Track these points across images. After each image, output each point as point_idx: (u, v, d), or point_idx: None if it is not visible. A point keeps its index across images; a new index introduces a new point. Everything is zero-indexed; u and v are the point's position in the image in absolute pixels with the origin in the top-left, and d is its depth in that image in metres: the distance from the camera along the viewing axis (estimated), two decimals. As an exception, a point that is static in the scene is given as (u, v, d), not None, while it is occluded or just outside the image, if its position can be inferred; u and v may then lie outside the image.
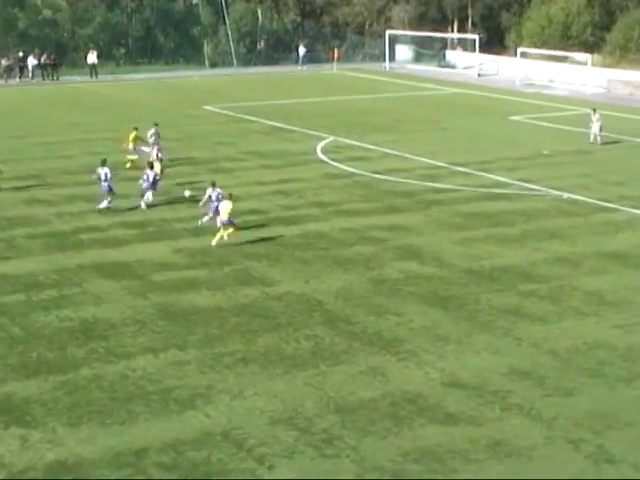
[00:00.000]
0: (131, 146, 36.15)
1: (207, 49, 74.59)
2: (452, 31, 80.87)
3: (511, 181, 34.85)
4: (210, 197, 27.66)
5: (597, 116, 42.19)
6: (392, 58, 74.74)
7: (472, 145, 42.01)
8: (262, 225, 28.76)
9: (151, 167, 31.02)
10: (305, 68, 72.27)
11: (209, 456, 15.29)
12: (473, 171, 36.44)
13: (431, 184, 34.39)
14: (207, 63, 73.64)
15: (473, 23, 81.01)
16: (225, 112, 50.45)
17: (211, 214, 27.42)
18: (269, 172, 36.23)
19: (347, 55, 76.06)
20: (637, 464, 15.15)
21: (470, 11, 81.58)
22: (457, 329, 20.70)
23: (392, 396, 17.38)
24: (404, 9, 79.80)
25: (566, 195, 32.80)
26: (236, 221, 26.89)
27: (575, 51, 66.70)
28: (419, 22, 78.21)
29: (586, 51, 65.35)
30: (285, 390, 17.62)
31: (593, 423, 16.43)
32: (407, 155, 39.33)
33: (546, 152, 40.46)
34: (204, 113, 50.98)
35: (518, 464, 15.17)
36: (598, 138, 41.94)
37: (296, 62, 73.26)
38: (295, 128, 45.29)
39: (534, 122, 48.68)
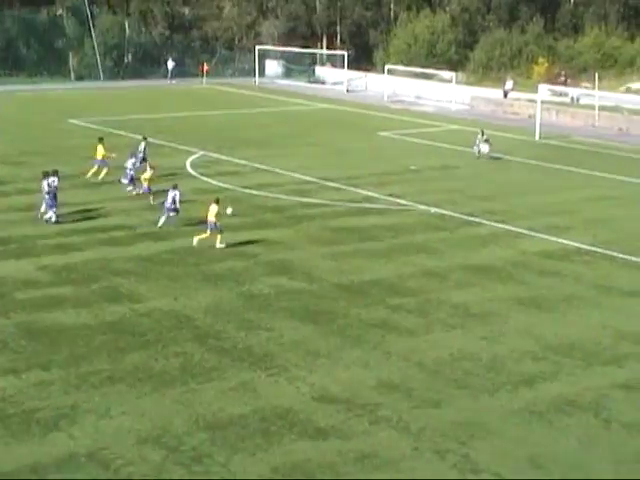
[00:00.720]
0: (99, 158, 36.54)
1: (72, 62, 73.14)
2: (321, 47, 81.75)
3: (380, 196, 35.35)
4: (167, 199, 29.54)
5: (484, 137, 42.74)
6: (262, 73, 75.01)
7: (342, 160, 42.46)
8: (130, 241, 28.34)
9: (174, 187, 29.66)
10: (174, 82, 71.77)
11: (73, 478, 14.91)
12: (343, 186, 36.82)
13: (301, 199, 34.58)
14: (73, 76, 72.25)
15: (342, 40, 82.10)
16: (92, 126, 49.54)
17: (170, 214, 29.56)
18: (137, 187, 35.72)
19: (217, 70, 75.95)
20: (499, 472, 15.54)
21: (339, 28, 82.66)
22: (327, 343, 20.82)
23: (262, 412, 17.35)
24: (273, 24, 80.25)
25: (433, 210, 33.47)
26: (220, 226, 27.74)
27: (440, 69, 68.33)
28: (289, 37, 78.77)
29: (451, 69, 67.05)
30: (153, 408, 17.37)
31: (459, 433, 16.78)
32: (277, 170, 39.46)
33: (414, 167, 41.23)
34: (70, 127, 49.98)
35: (386, 476, 15.34)
36: (484, 155, 42.56)
37: (165, 76, 72.69)
38: (164, 143, 44.86)
39: (402, 138, 49.59)
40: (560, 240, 29.79)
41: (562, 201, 35.26)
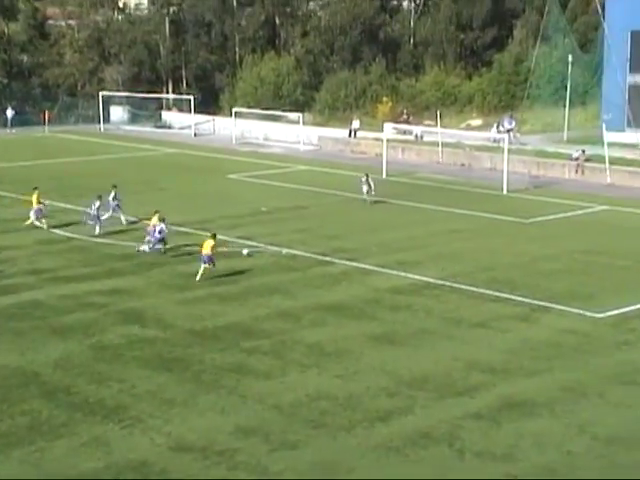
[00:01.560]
0: (35, 206, 36.92)
1: None
2: (167, 92, 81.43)
3: (231, 239, 35.33)
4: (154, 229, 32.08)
5: (366, 179, 42.30)
6: (107, 119, 74.05)
7: (191, 204, 42.27)
8: (-28, 297, 27.37)
9: (162, 220, 32.91)
10: (14, 131, 70.03)
11: None
12: (193, 230, 36.62)
13: (151, 245, 34.17)
14: None
15: (188, 84, 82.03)
16: None
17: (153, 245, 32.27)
18: (-21, 240, 34.61)
19: (60, 117, 74.49)
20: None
21: (184, 72, 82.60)
22: (182, 391, 20.58)
23: (116, 466, 16.96)
24: (117, 70, 79.48)
25: (285, 250, 33.68)
26: (214, 259, 29.34)
27: (287, 110, 69.12)
28: (133, 83, 78.15)
29: (297, 110, 67.92)
30: None
31: (316, 474, 16.82)
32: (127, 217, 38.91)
33: (264, 209, 41.43)
34: None
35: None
36: (367, 198, 42.28)
37: (5, 125, 70.83)
38: (5, 193, 43.65)
39: (252, 180, 49.79)
40: (410, 275, 30.45)
41: (410, 237, 36.08)
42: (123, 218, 37.78)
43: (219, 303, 27.36)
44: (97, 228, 35.79)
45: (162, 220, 33.02)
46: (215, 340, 24.09)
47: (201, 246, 30.10)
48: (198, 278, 29.38)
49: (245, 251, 31.54)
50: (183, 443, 17.94)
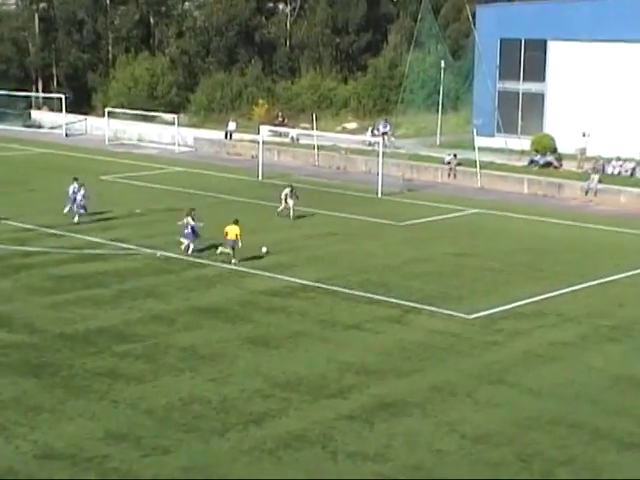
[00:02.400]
0: None
1: None
2: (37, 90, 79.51)
3: (104, 241, 34.78)
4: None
5: (293, 192, 40.03)
6: (-29, 118, 71.85)
7: (62, 206, 41.26)
8: None
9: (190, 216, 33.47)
10: None
11: None
12: (64, 232, 35.89)
13: (20, 248, 33.37)
14: None
15: (59, 83, 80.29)
16: None
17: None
18: None
19: None
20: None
21: (55, 70, 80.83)
22: (51, 397, 20.12)
23: (-19, 475, 16.45)
24: (-16, 67, 77.28)
25: (159, 253, 33.32)
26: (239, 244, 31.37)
27: (162, 111, 68.42)
28: (1, 81, 75.98)
29: (173, 111, 67.32)
30: None
31: (190, 478, 16.67)
32: (-7, 219, 37.87)
33: (138, 211, 40.90)
34: None
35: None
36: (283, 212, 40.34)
37: None
38: None
39: (125, 181, 49.09)
40: (285, 278, 30.53)
41: (286, 239, 36.18)
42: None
43: (91, 306, 26.87)
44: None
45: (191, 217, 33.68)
46: (86, 344, 23.64)
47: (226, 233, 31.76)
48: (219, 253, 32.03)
49: (264, 249, 32.60)
50: (50, 450, 17.54)
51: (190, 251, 33.28)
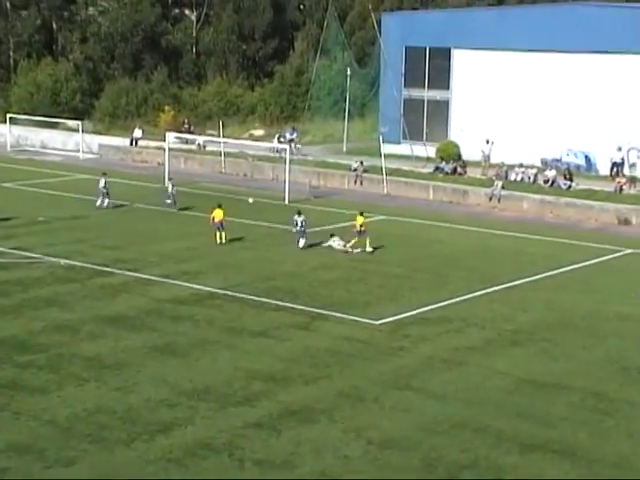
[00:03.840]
0: None
1: None
2: None
3: (6, 250, 34.15)
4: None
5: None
6: None
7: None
8: None
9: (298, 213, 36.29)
10: None
11: None
12: (-37, 241, 35.06)
13: None
14: None
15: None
16: None
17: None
18: None
19: None
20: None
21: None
22: (-50, 410, 19.62)
23: None
24: None
25: (63, 261, 32.83)
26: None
27: (66, 117, 67.38)
28: None
29: (77, 117, 66.35)
30: None
31: (95, 490, 16.48)
32: None
33: (42, 218, 40.25)
34: None
35: None
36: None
37: None
38: None
39: (28, 189, 48.20)
40: (192, 285, 30.39)
41: (193, 247, 36.04)
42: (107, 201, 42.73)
43: (-9, 317, 26.31)
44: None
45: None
46: (-14, 355, 23.15)
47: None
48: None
49: (251, 199, 36.40)
50: (-50, 465, 17.13)
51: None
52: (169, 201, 43.36)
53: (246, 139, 62.73)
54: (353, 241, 35.81)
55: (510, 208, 45.98)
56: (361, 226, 36.05)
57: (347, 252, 35.61)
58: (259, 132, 67.61)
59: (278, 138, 58.43)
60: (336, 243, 36.26)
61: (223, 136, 56.52)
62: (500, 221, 43.25)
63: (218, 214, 37.01)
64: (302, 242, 36.28)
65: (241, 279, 31.37)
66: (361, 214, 36.62)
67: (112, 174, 52.68)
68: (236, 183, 50.58)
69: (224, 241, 36.70)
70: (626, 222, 43.25)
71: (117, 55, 77.87)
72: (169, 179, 45.39)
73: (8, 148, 62.55)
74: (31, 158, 59.68)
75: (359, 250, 35.59)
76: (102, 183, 43.13)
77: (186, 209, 43.31)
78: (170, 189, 43.81)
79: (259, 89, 75.83)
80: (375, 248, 35.78)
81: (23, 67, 74.95)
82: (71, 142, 63.53)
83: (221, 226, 36.89)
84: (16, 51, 78.70)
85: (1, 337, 24.60)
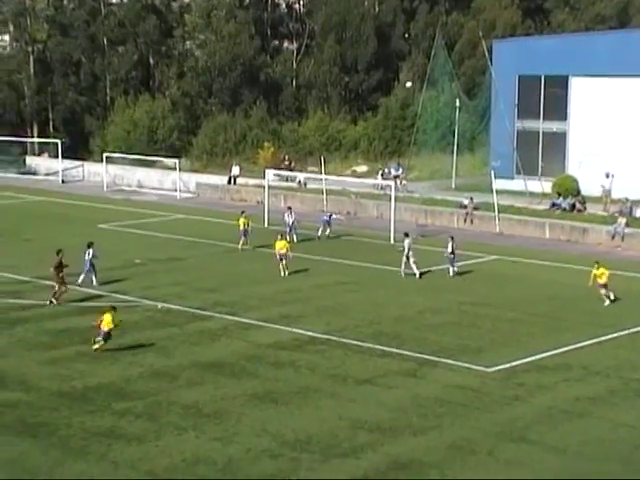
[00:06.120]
0: None
1: None
2: (32, 135, 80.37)
3: (103, 293, 35.05)
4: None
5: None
6: (-35, 165, 72.61)
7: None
8: None
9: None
10: None
11: None
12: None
13: (15, 301, 33.64)
14: None
15: (55, 127, 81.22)
16: None
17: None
18: None
19: None
20: None
21: (51, 114, 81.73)
22: (48, 459, 20.24)
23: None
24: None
25: (160, 305, 33.54)
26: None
27: (162, 155, 69.04)
28: (-5, 126, 77.03)
29: (174, 155, 67.93)
30: None
31: None
32: (-14, 271, 38.21)
33: (138, 261, 41.21)
34: None
35: None
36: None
37: None
38: None
39: (124, 230, 49.48)
40: (293, 330, 30.68)
41: (293, 289, 36.38)
42: (94, 279, 36.54)
43: (89, 362, 27.02)
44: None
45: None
46: (84, 402, 23.77)
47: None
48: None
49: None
50: (48, 515, 17.63)
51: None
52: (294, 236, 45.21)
53: (349, 176, 63.27)
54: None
55: (635, 247, 45.16)
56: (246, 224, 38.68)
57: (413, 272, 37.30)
58: (362, 168, 68.12)
59: (382, 174, 58.76)
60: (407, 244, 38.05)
61: (325, 173, 57.07)
62: (624, 261, 42.48)
63: (280, 245, 38.45)
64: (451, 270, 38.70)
65: (344, 323, 31.55)
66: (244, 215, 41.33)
67: (210, 214, 53.84)
68: (339, 222, 50.94)
69: (286, 274, 38.11)
70: None
71: (215, 90, 79.60)
72: (288, 208, 47.10)
73: (105, 188, 64.37)
74: (127, 198, 61.28)
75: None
76: (89, 255, 36.74)
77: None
78: (290, 221, 45.75)
79: (362, 123, 76.48)
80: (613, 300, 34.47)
81: (120, 104, 77.27)
82: (168, 181, 65.00)
83: (285, 258, 38.24)
84: (112, 88, 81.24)
85: (98, 383, 25.22)
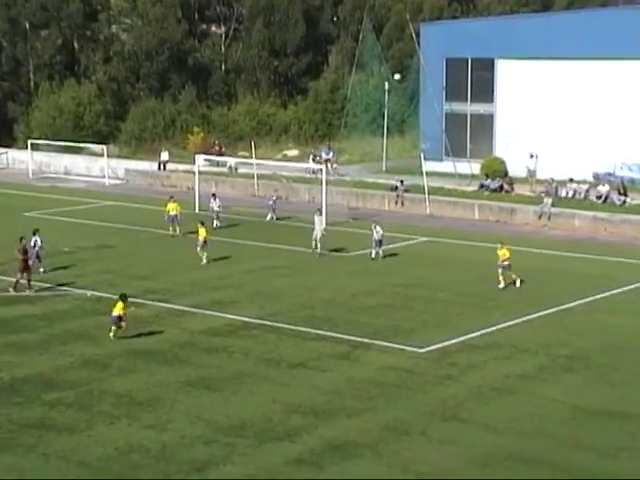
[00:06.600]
0: None
1: None
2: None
3: (32, 282, 34.60)
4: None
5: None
6: None
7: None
8: None
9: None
10: None
11: None
12: (-14, 275, 35.65)
13: (-61, 292, 33.13)
14: None
15: (-23, 114, 79.75)
16: None
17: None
18: None
19: None
20: None
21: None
22: (-24, 452, 20.00)
23: None
24: None
25: (90, 293, 33.27)
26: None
27: (90, 142, 68.28)
28: None
29: (101, 141, 67.22)
30: None
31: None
32: None
33: (66, 249, 40.76)
34: None
35: None
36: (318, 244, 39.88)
37: None
38: None
39: (51, 217, 48.87)
40: (226, 315, 30.68)
41: (225, 275, 36.34)
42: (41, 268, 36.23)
43: (16, 353, 26.74)
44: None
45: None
46: (12, 393, 23.52)
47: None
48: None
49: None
50: (-22, 509, 17.46)
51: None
52: (217, 223, 45.16)
53: (280, 160, 63.23)
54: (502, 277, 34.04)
55: (561, 226, 45.92)
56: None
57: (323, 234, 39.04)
58: (293, 152, 68.10)
59: (313, 158, 58.85)
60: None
61: (255, 157, 56.98)
62: (550, 240, 43.20)
63: (201, 232, 38.10)
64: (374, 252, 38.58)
65: (277, 308, 31.63)
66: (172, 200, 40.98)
67: (140, 200, 53.43)
68: (270, 206, 50.86)
69: (205, 261, 37.68)
70: (686, 238, 43.04)
71: (142, 75, 78.82)
72: (212, 195, 46.71)
73: (30, 175, 63.48)
74: (54, 185, 60.49)
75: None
76: (35, 243, 36.11)
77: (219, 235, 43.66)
78: (215, 207, 45.45)
79: (292, 107, 76.39)
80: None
81: (44, 90, 76.10)
82: (96, 168, 64.34)
83: (204, 245, 37.83)
84: (36, 73, 79.94)
85: (27, 374, 24.96)
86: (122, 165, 63.97)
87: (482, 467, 19.40)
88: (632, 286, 34.57)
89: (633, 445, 20.52)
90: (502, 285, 33.99)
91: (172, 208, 43.59)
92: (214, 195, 46.73)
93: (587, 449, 20.33)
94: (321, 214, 41.12)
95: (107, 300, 32.41)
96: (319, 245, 39.77)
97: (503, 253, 34.17)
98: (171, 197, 44.80)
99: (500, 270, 34.03)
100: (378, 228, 39.02)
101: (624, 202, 47.30)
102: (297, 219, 47.49)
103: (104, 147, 63.82)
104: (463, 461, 19.69)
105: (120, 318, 27.97)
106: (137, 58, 78.62)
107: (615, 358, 26.45)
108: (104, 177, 61.81)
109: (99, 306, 31.85)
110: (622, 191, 47.86)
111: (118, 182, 61.85)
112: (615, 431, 21.24)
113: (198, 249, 38.05)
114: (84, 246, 41.66)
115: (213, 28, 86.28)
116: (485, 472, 19.16)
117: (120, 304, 28.10)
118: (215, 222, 44.99)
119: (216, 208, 45.63)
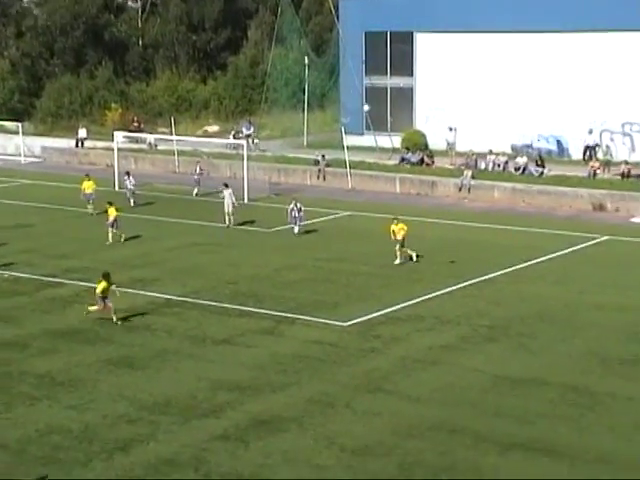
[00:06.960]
0: None
1: None
2: None
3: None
4: None
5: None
6: None
7: None
8: None
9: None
10: None
11: None
12: None
13: None
14: None
15: None
16: None
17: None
18: None
19: None
20: None
21: None
22: None
23: None
24: None
25: (7, 274, 32.74)
26: None
27: (4, 119, 67.08)
28: None
29: (16, 119, 66.04)
30: None
31: (53, 513, 16.55)
32: None
33: (-17, 229, 40.06)
34: None
35: None
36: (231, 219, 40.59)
37: None
38: None
39: (-33, 198, 47.94)
40: (148, 293, 30.46)
41: (147, 253, 36.07)
42: None
43: None
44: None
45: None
46: None
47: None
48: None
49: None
50: None
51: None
52: (133, 200, 44.75)
53: (200, 136, 62.81)
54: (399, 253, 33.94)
55: (481, 198, 46.45)
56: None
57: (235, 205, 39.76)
58: (213, 128, 67.69)
59: (234, 134, 58.56)
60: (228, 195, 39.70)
61: (175, 134, 56.55)
62: (471, 212, 43.69)
63: (111, 212, 37.59)
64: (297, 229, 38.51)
65: (200, 284, 31.49)
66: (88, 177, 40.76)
67: (57, 178, 52.70)
68: (191, 183, 50.54)
69: (111, 240, 37.34)
70: (601, 208, 43.83)
71: (57, 50, 77.43)
72: (126, 173, 45.73)
73: (-57, 155, 62.21)
74: (-31, 165, 59.37)
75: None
76: None
77: (138, 212, 43.30)
78: (130, 185, 44.78)
79: (212, 82, 75.89)
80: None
81: (-47, 66, 74.46)
82: (11, 145, 63.27)
83: (114, 224, 37.48)
84: (-55, 49, 78.16)
85: (-55, 357, 24.56)
86: (38, 143, 63.01)
87: (406, 438, 19.60)
88: (551, 255, 35.16)
89: (553, 412, 20.91)
90: (398, 261, 33.96)
91: (88, 187, 42.94)
92: (128, 173, 45.87)
93: (508, 417, 20.67)
94: (229, 187, 40.83)
95: (25, 280, 31.98)
96: (232, 219, 39.78)
97: (401, 228, 33.99)
98: (87, 175, 44.14)
99: (397, 246, 34.02)
100: (298, 204, 38.94)
101: (542, 173, 48.01)
102: (218, 195, 47.21)
103: (19, 124, 62.78)
104: (388, 432, 19.87)
105: (104, 298, 27.32)
106: (51, 33, 77.22)
107: (535, 327, 26.91)
108: (20, 155, 60.80)
109: (18, 286, 31.41)
110: (540, 162, 48.56)
111: (35, 160, 60.92)
112: (535, 398, 21.62)
113: (108, 228, 37.58)
114: (1, 225, 40.95)
115: (129, 2, 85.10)
116: (410, 442, 19.36)
117: (103, 284, 27.39)
118: (132, 200, 44.47)
119: (130, 186, 44.96)
